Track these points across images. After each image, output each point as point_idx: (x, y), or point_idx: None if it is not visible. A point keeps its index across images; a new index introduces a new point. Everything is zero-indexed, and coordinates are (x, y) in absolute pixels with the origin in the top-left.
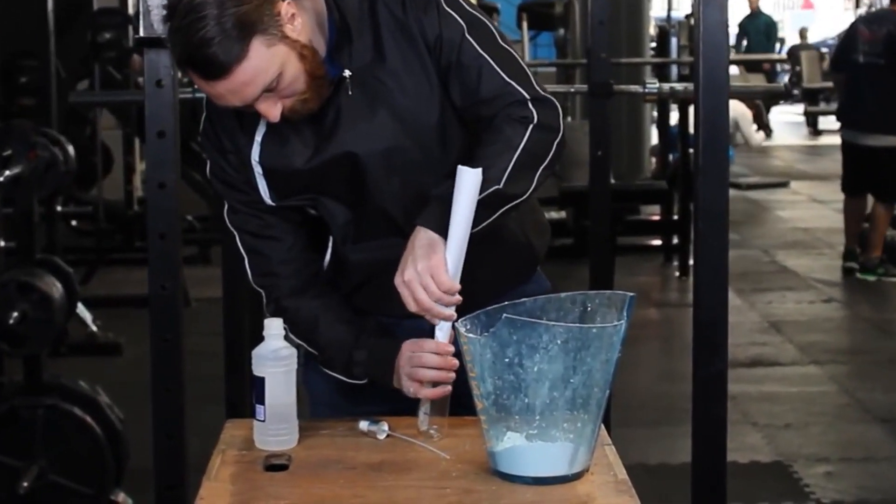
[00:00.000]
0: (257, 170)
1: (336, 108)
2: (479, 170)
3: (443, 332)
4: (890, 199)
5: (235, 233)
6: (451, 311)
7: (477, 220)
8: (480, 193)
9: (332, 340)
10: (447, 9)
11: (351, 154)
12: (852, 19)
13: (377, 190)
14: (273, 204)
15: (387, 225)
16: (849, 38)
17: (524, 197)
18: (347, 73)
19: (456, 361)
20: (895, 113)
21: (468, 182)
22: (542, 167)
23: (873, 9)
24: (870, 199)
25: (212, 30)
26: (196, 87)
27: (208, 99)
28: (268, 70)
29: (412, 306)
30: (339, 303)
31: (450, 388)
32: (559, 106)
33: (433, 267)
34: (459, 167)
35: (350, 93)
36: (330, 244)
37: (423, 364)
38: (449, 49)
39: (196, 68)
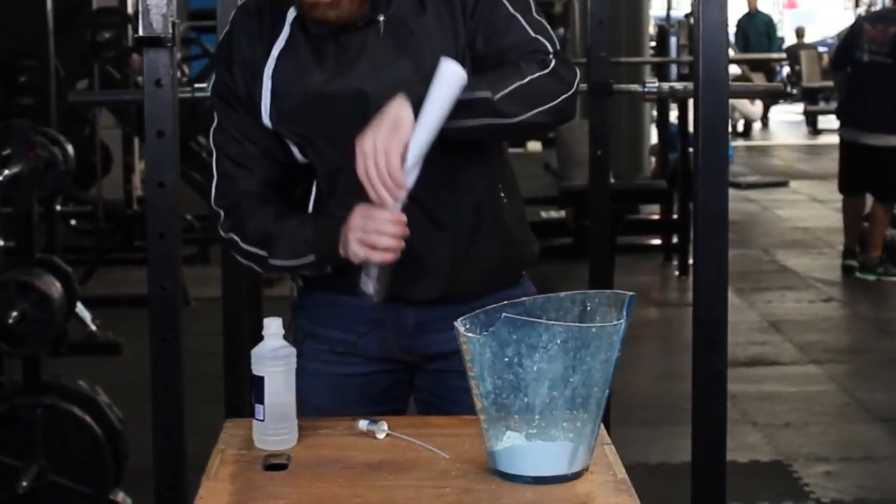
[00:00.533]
0: (266, 84)
1: (362, 44)
2: (462, 70)
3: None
4: (891, 198)
5: (214, 152)
6: (390, 199)
7: (456, 119)
8: (471, 96)
9: (280, 231)
10: None
11: (361, 92)
12: (852, 19)
13: None
14: (269, 126)
15: None
16: (852, 37)
17: (511, 121)
18: (382, 17)
19: (408, 231)
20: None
21: (449, 75)
22: (541, 107)
23: (874, 8)
24: (869, 199)
25: None
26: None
27: (237, 12)
28: None
29: (361, 174)
30: (287, 212)
31: (396, 254)
32: (578, 72)
33: (390, 148)
34: (443, 58)
35: (381, 34)
36: (312, 201)
37: (378, 230)
38: (484, 8)
39: None
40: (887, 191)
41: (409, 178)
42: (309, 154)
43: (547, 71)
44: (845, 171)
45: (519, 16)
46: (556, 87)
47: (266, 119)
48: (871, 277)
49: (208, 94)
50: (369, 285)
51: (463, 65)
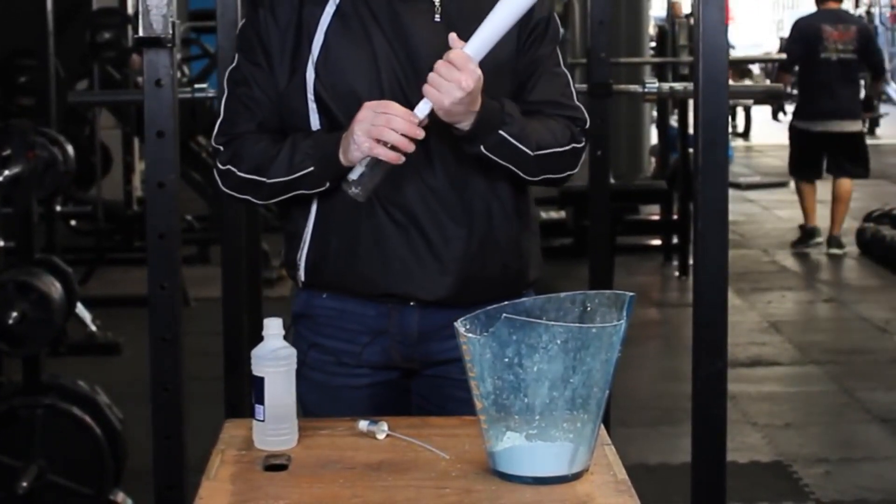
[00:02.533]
0: (318, 39)
1: (416, 20)
2: None
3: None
4: (862, 173)
5: (226, 90)
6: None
7: (494, 150)
8: (518, 144)
9: (277, 150)
10: (556, 17)
11: (405, 69)
12: None
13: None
14: (311, 78)
15: None
16: (815, 39)
17: (527, 178)
18: (437, 2)
19: (422, 132)
20: (859, 101)
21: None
22: (557, 174)
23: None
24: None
25: None
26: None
27: None
28: None
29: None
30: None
31: (402, 157)
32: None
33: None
34: None
35: (437, 18)
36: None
37: (389, 125)
38: (546, 45)
39: None
40: (858, 167)
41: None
42: (330, 118)
43: (578, 146)
44: (808, 159)
45: (569, 74)
46: (576, 161)
47: (310, 73)
48: (840, 251)
49: (208, 94)
50: (359, 180)
51: (502, 73)
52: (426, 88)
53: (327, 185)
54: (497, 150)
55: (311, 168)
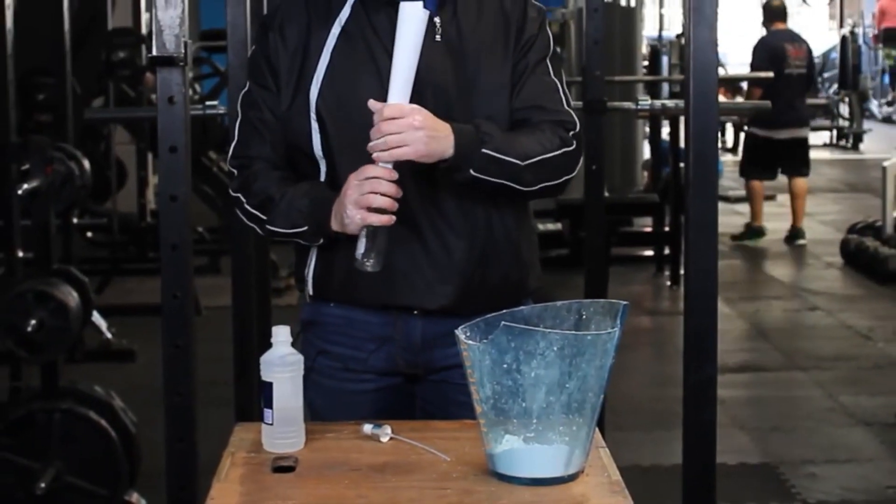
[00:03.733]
0: (324, 59)
1: (425, 48)
2: (422, 7)
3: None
4: (807, 172)
5: (239, 114)
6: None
7: (483, 172)
8: (503, 157)
9: (280, 198)
10: (547, 30)
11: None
12: (836, 38)
13: None
14: (314, 99)
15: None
16: (779, 57)
17: (524, 189)
18: (438, 19)
19: (400, 190)
20: (807, 110)
21: (413, 16)
22: (554, 181)
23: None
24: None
25: None
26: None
27: (281, 8)
28: None
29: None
30: (292, 178)
31: (394, 217)
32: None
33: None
34: (402, 3)
35: (438, 38)
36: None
37: (375, 190)
38: (534, 54)
39: None
40: (806, 167)
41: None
42: (332, 136)
43: (570, 149)
44: (766, 163)
45: (559, 83)
46: (571, 164)
47: (314, 91)
48: (803, 241)
49: (219, 111)
50: (367, 252)
51: (501, 94)
52: (396, 153)
53: (321, 241)
54: (486, 170)
55: (306, 228)
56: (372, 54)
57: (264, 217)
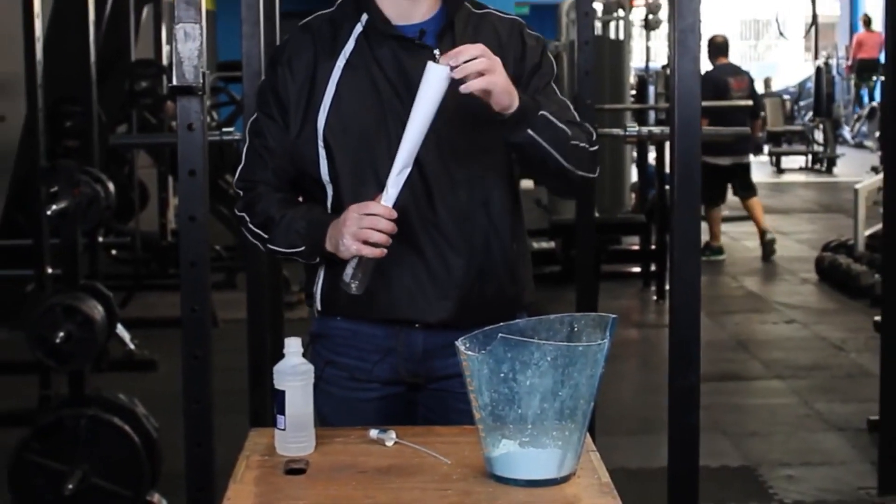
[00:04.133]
0: (330, 89)
1: (418, 71)
2: (447, 67)
3: (388, 200)
4: (753, 193)
5: (246, 140)
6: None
7: (539, 131)
8: (558, 122)
9: (280, 219)
10: (549, 56)
11: (404, 122)
12: (811, 69)
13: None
14: (321, 126)
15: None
16: (722, 89)
17: (566, 166)
18: (437, 52)
19: (395, 228)
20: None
21: (436, 78)
22: (586, 172)
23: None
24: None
25: None
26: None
27: (298, 28)
28: None
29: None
30: (293, 199)
31: (385, 251)
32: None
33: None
34: (429, 63)
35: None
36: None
37: (374, 226)
38: (539, 80)
39: None
40: (752, 190)
41: (401, 178)
42: (338, 162)
43: (595, 149)
44: (717, 189)
45: (569, 103)
46: (595, 164)
47: (321, 120)
48: (772, 236)
49: (235, 137)
50: (353, 277)
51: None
52: (485, 79)
53: (317, 260)
54: (542, 132)
55: (303, 248)
56: (375, 85)
57: (265, 235)
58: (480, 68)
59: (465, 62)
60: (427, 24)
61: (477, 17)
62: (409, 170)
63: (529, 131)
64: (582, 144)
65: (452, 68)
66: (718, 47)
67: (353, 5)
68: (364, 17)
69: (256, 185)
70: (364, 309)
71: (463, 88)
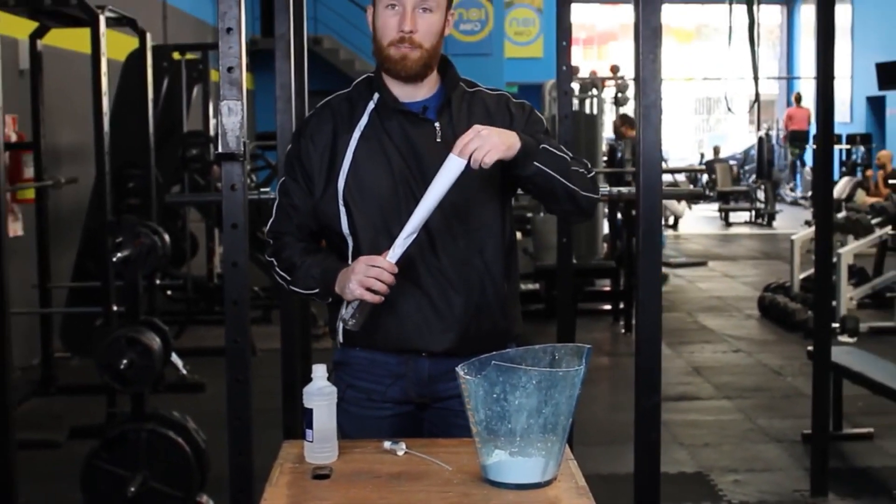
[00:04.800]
0: (348, 157)
1: (422, 141)
2: (464, 161)
3: (393, 257)
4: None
5: (277, 198)
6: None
7: (542, 162)
8: (557, 148)
9: (300, 265)
10: (537, 114)
11: (409, 186)
12: (755, 139)
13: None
14: (340, 190)
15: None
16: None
17: (571, 187)
18: (438, 125)
19: (395, 280)
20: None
21: (453, 168)
22: (588, 193)
23: (771, 132)
24: None
25: None
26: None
27: (321, 105)
28: None
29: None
30: (313, 248)
31: (383, 298)
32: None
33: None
34: (451, 155)
35: (436, 139)
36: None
37: (379, 277)
38: (530, 129)
39: None
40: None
41: (408, 241)
42: (356, 218)
43: (592, 174)
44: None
45: (564, 147)
46: (596, 187)
47: (341, 182)
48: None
49: (270, 196)
50: (353, 316)
51: (491, 183)
52: (490, 156)
53: (329, 300)
54: (546, 162)
55: (318, 290)
56: (385, 153)
57: (289, 278)
58: (479, 146)
59: (470, 149)
60: (429, 101)
61: (469, 94)
62: (415, 235)
63: (536, 163)
64: (581, 170)
65: (468, 161)
66: (629, 121)
67: (367, 86)
68: (376, 96)
69: (283, 236)
70: (379, 341)
71: (475, 166)
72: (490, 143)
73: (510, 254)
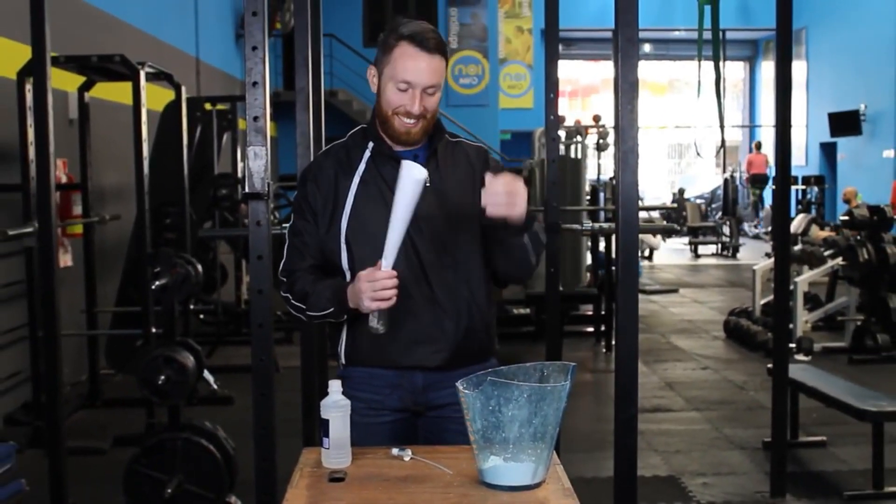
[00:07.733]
0: (349, 201)
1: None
2: (422, 169)
3: (387, 266)
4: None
5: (287, 239)
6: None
7: (531, 240)
8: (542, 233)
9: (312, 292)
10: (493, 158)
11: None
12: (721, 180)
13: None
14: (342, 230)
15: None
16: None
17: (531, 260)
18: (428, 182)
19: (397, 280)
20: None
21: (412, 177)
22: (537, 260)
23: (736, 174)
24: None
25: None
26: (283, 226)
27: (323, 153)
28: (441, 76)
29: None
30: (320, 277)
31: (395, 298)
32: None
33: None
34: (404, 162)
35: (428, 184)
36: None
37: (384, 287)
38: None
39: (421, 43)
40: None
41: (390, 259)
42: (355, 254)
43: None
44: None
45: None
46: (538, 263)
47: (344, 222)
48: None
49: None
50: (374, 321)
51: (468, 218)
52: (516, 209)
53: (345, 317)
54: (531, 238)
55: (332, 309)
56: (382, 196)
57: (304, 307)
58: (517, 204)
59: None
60: (418, 151)
61: (452, 144)
62: (395, 253)
63: (525, 236)
64: (545, 241)
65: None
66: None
67: (362, 135)
68: (371, 144)
69: (295, 273)
70: (378, 358)
71: (506, 213)
72: (521, 208)
73: (489, 282)
